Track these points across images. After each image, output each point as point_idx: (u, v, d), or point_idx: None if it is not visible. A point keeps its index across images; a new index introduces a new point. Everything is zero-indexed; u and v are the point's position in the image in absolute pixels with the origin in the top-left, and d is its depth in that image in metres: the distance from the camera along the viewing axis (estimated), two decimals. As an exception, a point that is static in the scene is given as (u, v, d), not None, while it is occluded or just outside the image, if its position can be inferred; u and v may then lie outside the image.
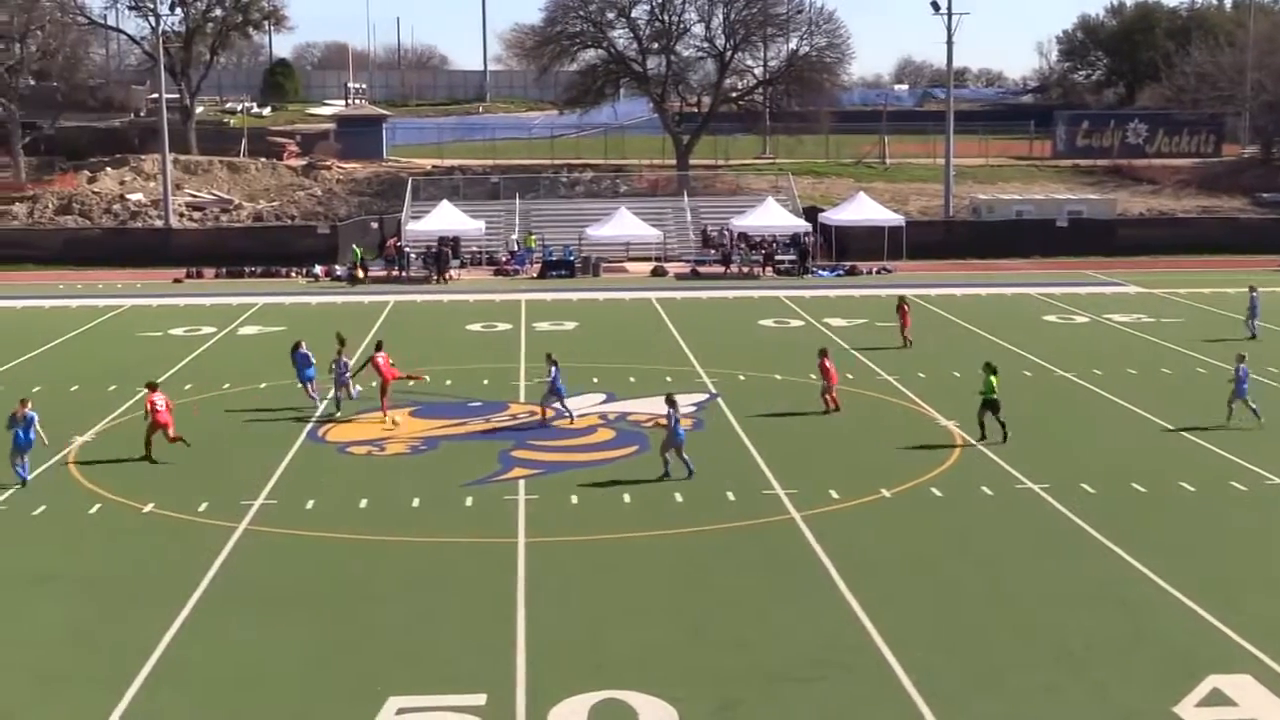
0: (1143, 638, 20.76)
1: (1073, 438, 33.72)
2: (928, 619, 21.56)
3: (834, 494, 28.41)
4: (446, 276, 65.98)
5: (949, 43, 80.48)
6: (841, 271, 69.16)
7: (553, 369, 34.62)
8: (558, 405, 34.96)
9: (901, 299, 47.35)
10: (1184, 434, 33.71)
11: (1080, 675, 19.38)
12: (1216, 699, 18.52)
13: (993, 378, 32.76)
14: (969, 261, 72.15)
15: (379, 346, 37.31)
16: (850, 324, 51.56)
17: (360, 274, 65.87)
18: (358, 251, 67.07)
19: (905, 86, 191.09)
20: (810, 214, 75.98)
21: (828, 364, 36.54)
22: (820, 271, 69.02)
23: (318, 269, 67.88)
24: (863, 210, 74.49)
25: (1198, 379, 40.99)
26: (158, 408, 31.14)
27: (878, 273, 68.99)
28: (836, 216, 74.48)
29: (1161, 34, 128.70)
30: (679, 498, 28.07)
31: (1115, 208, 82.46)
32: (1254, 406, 33.69)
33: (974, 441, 32.86)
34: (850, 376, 41.09)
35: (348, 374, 36.27)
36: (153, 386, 32.15)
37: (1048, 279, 65.59)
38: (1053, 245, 74.56)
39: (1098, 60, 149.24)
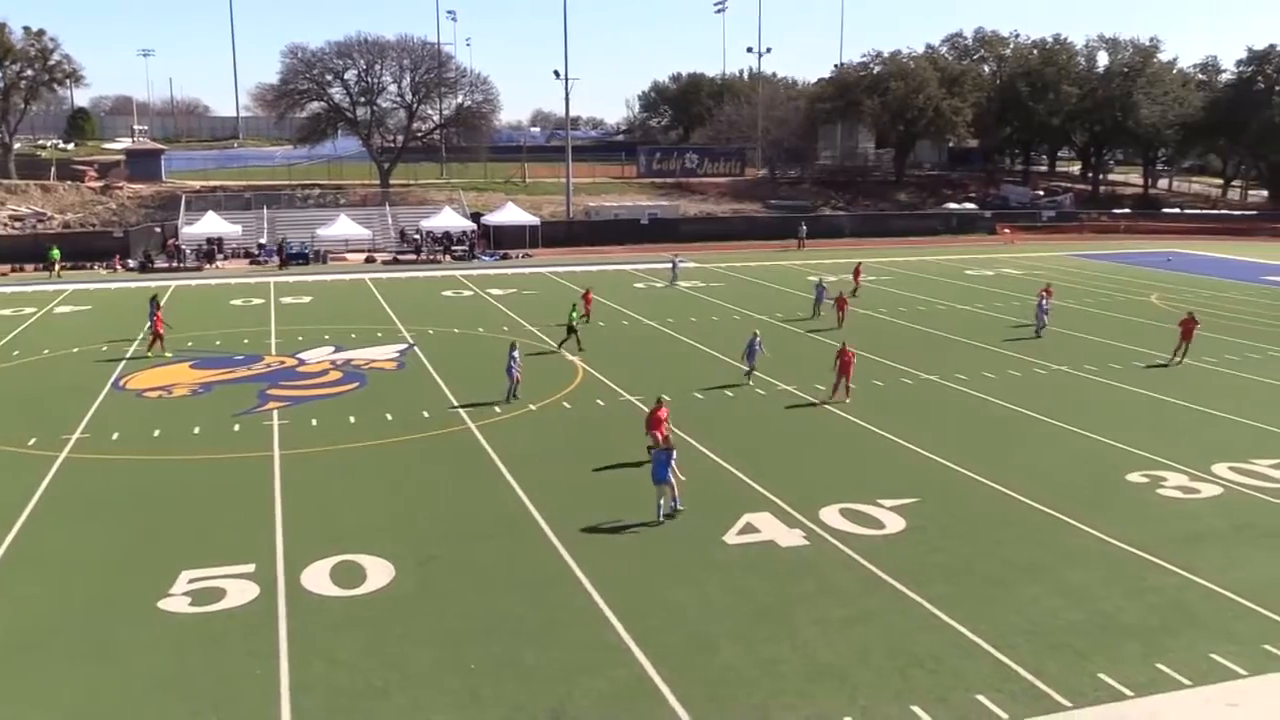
0: (705, 490, 21.62)
1: (656, 364, 34.70)
2: (563, 490, 21.94)
3: (497, 410, 28.45)
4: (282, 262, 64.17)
5: (566, 98, 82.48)
6: (498, 257, 68.85)
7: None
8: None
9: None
10: (727, 359, 35.22)
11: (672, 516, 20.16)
12: (749, 529, 19.57)
13: (573, 311, 36.84)
14: (584, 248, 73.01)
15: None
16: (504, 293, 51.52)
17: (56, 270, 59.65)
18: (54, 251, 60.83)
19: (538, 129, 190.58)
20: (475, 217, 75.30)
21: (591, 297, 42.60)
22: (483, 257, 68.58)
23: (114, 263, 63.24)
24: (510, 214, 74.33)
25: (734, 324, 42.84)
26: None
27: (522, 257, 68.98)
28: (493, 219, 74.00)
29: (705, 95, 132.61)
30: (389, 418, 27.56)
31: (679, 210, 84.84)
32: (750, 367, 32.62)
33: (570, 354, 35.10)
34: (506, 329, 41.20)
35: None
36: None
37: (636, 259, 66.98)
38: (639, 236, 76.17)
39: (665, 111, 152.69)
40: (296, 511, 20.61)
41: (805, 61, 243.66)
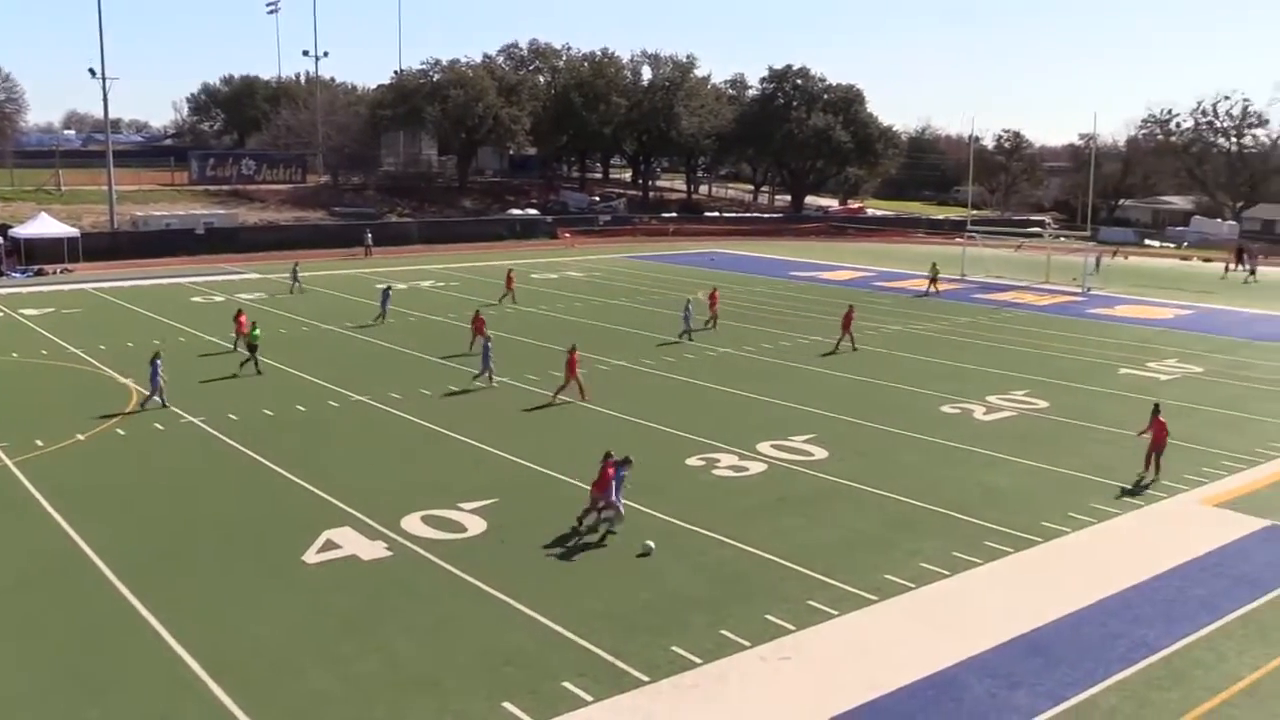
0: (280, 510, 20.85)
1: (219, 382, 32.79)
2: (122, 525, 20.21)
3: (39, 442, 25.65)
4: None
5: (104, 99, 75.93)
6: (31, 273, 61.96)
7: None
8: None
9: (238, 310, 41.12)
10: (297, 373, 33.97)
11: (231, 540, 19.11)
12: (329, 546, 19.04)
13: (255, 331, 34.56)
14: (133, 261, 67.15)
15: None
16: (41, 312, 46.56)
17: None
18: None
19: (73, 132, 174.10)
20: (1, 230, 67.21)
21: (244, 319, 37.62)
22: (14, 274, 61.48)
23: None
24: (45, 226, 66.92)
25: (303, 335, 41.41)
26: None
27: (61, 272, 62.55)
28: (24, 231, 66.39)
29: (260, 98, 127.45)
30: (-96, 460, 24.07)
31: (238, 219, 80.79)
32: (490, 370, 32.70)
33: (240, 372, 32.31)
34: (44, 352, 37.27)
35: None
36: None
37: (193, 271, 62.87)
38: (195, 247, 71.52)
39: (217, 115, 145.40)
40: None
41: (364, 67, 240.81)
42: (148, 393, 29.53)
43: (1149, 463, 24.00)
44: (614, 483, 19.87)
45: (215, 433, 26.82)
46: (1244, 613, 16.88)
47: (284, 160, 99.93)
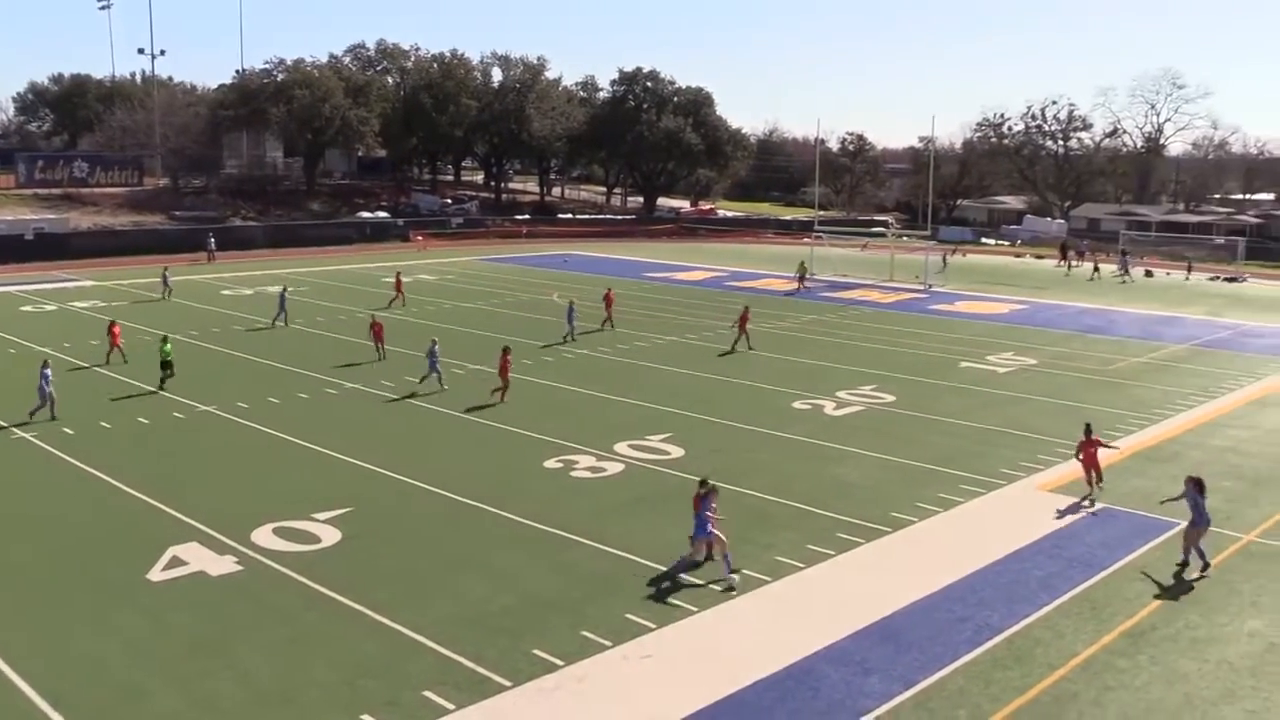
0: (122, 527, 19.92)
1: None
2: (-54, 548, 19.04)
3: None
4: None
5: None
6: None
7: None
8: None
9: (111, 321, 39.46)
10: (129, 380, 32.54)
11: (69, 559, 18.21)
12: (176, 563, 18.30)
13: (166, 345, 32.26)
14: (-45, 269, 63.65)
15: None
16: None
17: None
18: None
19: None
20: None
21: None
22: None
23: None
24: None
25: (146, 346, 39.76)
26: None
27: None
28: None
29: (93, 98, 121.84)
30: None
31: (70, 224, 77.01)
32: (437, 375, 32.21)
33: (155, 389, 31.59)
34: None
35: None
36: None
37: (22, 280, 59.53)
38: (23, 254, 67.82)
39: (47, 115, 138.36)
40: None
41: (204, 67, 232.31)
42: (37, 403, 28.12)
43: (1091, 479, 23.06)
44: (697, 517, 18.16)
45: (48, 447, 25.49)
46: (1079, 591, 17.73)
47: (119, 162, 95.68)
